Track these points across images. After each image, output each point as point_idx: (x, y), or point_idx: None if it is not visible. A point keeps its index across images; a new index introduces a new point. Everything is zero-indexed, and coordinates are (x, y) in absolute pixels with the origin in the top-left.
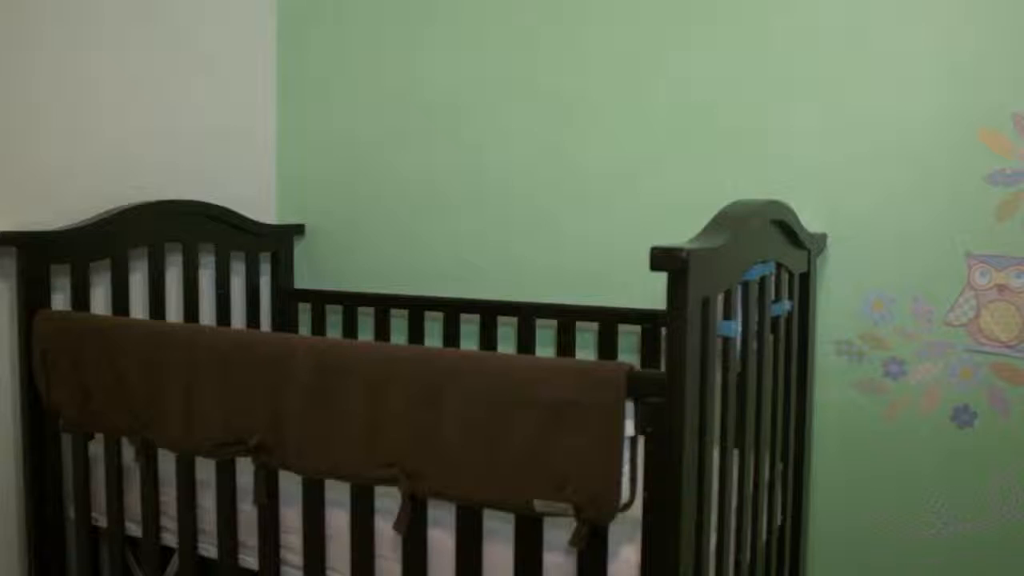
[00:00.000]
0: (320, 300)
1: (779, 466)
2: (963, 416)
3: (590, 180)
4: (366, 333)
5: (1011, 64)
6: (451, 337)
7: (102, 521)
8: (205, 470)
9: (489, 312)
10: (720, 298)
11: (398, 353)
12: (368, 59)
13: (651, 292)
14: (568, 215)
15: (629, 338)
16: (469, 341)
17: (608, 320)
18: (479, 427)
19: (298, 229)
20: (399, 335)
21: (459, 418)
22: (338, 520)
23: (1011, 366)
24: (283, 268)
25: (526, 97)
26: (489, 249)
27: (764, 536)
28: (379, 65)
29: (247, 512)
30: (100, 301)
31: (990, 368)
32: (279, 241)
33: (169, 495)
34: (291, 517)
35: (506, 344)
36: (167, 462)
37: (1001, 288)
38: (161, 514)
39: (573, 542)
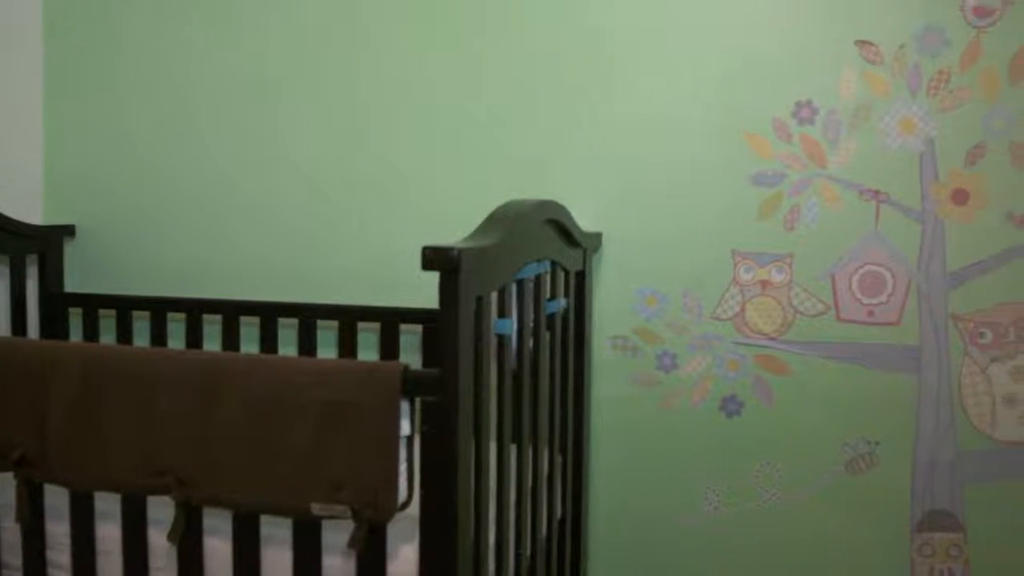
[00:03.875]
0: (93, 305)
1: (558, 460)
2: (731, 406)
3: (369, 181)
4: (142, 339)
5: (772, 70)
6: (231, 341)
7: None
8: None
9: (269, 314)
10: (494, 296)
11: (167, 356)
12: (133, 56)
13: (433, 291)
14: (349, 215)
15: (411, 338)
16: (250, 344)
17: (389, 320)
18: (253, 431)
19: (68, 230)
20: (177, 340)
21: (232, 422)
22: (109, 533)
23: (773, 357)
24: (52, 271)
25: (303, 98)
26: (269, 250)
27: (544, 530)
28: (145, 61)
29: (10, 530)
30: None
31: (755, 360)
32: (47, 243)
33: None
34: (58, 533)
35: (288, 346)
36: None
37: (764, 283)
38: None
39: (352, 544)
